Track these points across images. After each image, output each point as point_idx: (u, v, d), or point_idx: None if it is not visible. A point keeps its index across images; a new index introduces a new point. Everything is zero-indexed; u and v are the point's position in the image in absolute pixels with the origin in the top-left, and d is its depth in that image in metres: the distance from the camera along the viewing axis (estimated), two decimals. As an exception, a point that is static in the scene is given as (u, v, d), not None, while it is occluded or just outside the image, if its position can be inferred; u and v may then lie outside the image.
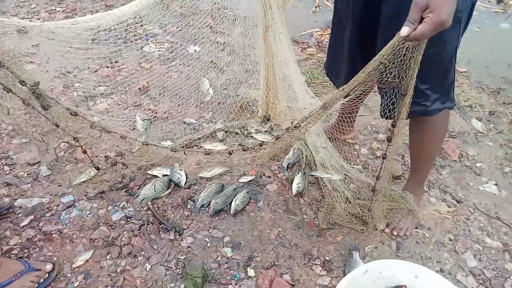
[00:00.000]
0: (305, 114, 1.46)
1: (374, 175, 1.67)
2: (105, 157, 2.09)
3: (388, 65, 1.12)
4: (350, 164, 2.13)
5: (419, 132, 1.66)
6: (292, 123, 1.53)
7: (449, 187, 2.06)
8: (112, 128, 1.85)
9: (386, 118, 1.48)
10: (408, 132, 1.74)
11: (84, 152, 1.86)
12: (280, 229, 1.82)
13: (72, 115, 1.71)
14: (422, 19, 0.97)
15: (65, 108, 1.72)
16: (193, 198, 1.96)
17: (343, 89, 1.23)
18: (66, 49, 2.99)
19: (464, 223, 1.88)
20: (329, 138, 2.09)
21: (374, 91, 2.36)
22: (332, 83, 2.03)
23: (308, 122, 1.48)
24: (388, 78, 1.15)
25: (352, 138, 2.31)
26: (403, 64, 1.12)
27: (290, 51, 1.77)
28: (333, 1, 1.64)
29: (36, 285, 1.53)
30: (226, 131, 2.33)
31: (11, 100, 1.63)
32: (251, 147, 1.73)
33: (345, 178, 2.00)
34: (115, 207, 1.89)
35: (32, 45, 3.02)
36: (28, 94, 1.62)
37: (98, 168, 2.04)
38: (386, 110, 1.37)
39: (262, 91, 2.15)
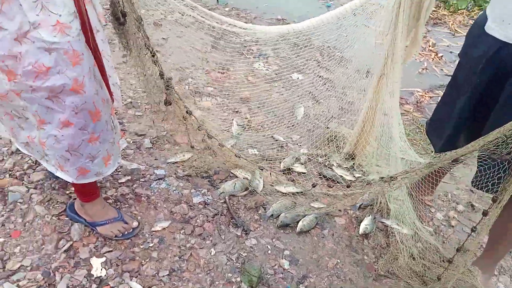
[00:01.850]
0: (398, 163, 1.54)
1: (444, 242, 1.67)
2: (202, 140, 2.31)
3: (510, 138, 1.14)
4: (422, 223, 2.12)
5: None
6: (388, 174, 1.61)
7: (522, 280, 1.96)
8: (214, 134, 2.08)
9: (481, 189, 1.50)
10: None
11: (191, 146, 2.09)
12: (338, 261, 1.88)
13: (187, 113, 1.95)
14: None
15: (184, 106, 1.98)
16: (265, 206, 2.09)
17: (455, 153, 1.29)
18: (188, 48, 3.40)
19: (531, 320, 1.78)
20: (408, 193, 2.12)
21: (464, 162, 2.35)
22: (430, 143, 2.06)
23: (406, 177, 1.54)
24: (502, 151, 1.17)
25: (430, 200, 2.30)
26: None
27: (397, 102, 1.87)
28: (446, 66, 1.72)
29: (121, 234, 1.76)
30: (309, 158, 2.46)
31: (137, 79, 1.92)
32: (336, 184, 1.83)
33: (414, 235, 2.00)
34: (197, 191, 2.09)
35: (162, 38, 3.46)
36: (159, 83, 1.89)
37: (192, 147, 2.26)
38: (486, 181, 1.40)
39: (356, 130, 2.26)
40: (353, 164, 2.42)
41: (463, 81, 1.64)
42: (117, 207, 1.91)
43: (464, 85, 1.63)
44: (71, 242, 1.71)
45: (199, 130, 2.05)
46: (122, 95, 2.72)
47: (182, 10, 1.72)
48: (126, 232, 1.78)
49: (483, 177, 1.55)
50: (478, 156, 1.64)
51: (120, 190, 2.00)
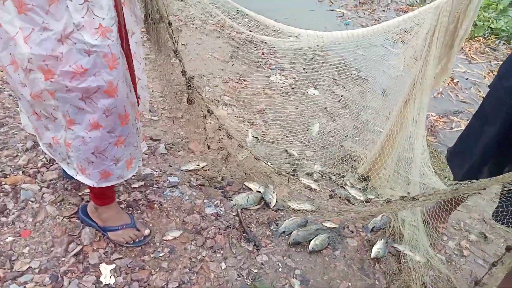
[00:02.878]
0: (416, 188, 1.51)
1: (455, 272, 1.64)
2: (218, 141, 2.29)
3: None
4: (434, 251, 2.09)
5: None
6: (408, 193, 1.59)
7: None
8: (234, 134, 2.07)
9: (503, 223, 1.48)
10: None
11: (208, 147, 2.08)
12: (350, 284, 1.85)
13: (208, 112, 1.95)
14: None
15: (205, 105, 1.97)
16: (277, 222, 2.07)
17: (482, 183, 1.28)
18: (207, 56, 3.40)
19: None
20: (423, 219, 2.09)
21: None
22: (443, 169, 2.04)
23: (428, 198, 1.52)
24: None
25: (444, 227, 2.27)
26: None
27: (423, 128, 1.85)
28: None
29: (132, 241, 1.73)
30: (322, 175, 2.44)
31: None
32: (353, 200, 1.80)
33: (427, 262, 1.97)
34: (210, 202, 2.07)
35: (182, 43, 3.46)
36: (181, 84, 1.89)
37: (209, 147, 2.24)
38: (508, 216, 1.38)
39: (374, 152, 2.24)
40: (367, 185, 2.40)
41: (491, 112, 1.62)
42: (130, 212, 1.89)
43: (492, 115, 1.62)
44: (81, 246, 1.69)
45: (219, 130, 2.04)
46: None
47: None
48: (137, 240, 1.75)
49: (505, 212, 1.52)
50: (502, 190, 1.62)
51: (133, 195, 1.98)
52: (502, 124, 1.55)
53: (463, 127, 3.45)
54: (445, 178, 2.68)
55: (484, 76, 4.30)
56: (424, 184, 1.76)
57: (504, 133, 1.56)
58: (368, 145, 2.75)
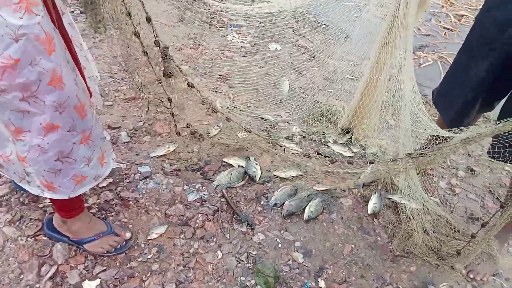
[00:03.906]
0: (407, 134, 1.40)
1: (451, 211, 1.59)
2: (186, 125, 2.08)
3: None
4: (428, 195, 2.05)
5: None
6: (416, 150, 1.47)
7: (529, 241, 1.96)
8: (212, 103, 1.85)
9: (499, 160, 1.42)
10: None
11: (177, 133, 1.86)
12: (353, 246, 1.77)
13: (189, 86, 1.71)
14: None
15: (185, 78, 1.73)
16: (266, 195, 1.93)
17: (498, 124, 1.16)
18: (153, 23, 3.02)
19: (544, 282, 1.78)
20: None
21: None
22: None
23: (439, 153, 1.42)
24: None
25: (431, 169, 2.24)
26: None
27: (411, 73, 1.71)
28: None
29: (113, 249, 1.53)
30: (303, 136, 2.29)
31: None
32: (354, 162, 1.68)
33: (423, 208, 1.93)
34: (190, 187, 1.88)
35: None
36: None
37: (179, 134, 2.03)
38: (505, 152, 1.32)
39: (353, 103, 2.11)
40: (350, 138, 2.29)
41: (479, 46, 1.51)
42: (103, 216, 1.67)
43: (480, 50, 1.50)
44: (55, 267, 1.47)
45: (202, 103, 1.83)
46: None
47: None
48: (119, 246, 1.55)
49: (502, 149, 1.46)
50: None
51: (103, 196, 1.75)
52: (495, 58, 1.44)
53: (432, 62, 3.40)
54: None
55: (442, 6, 4.23)
56: (420, 131, 1.66)
57: (497, 68, 1.45)
58: (342, 95, 2.62)
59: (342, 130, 2.30)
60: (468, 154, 2.42)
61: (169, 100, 1.75)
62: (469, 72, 1.56)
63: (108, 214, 1.69)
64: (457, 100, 1.65)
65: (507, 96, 1.52)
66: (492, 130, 1.19)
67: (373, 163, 1.57)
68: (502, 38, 1.39)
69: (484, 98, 1.59)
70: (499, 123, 1.20)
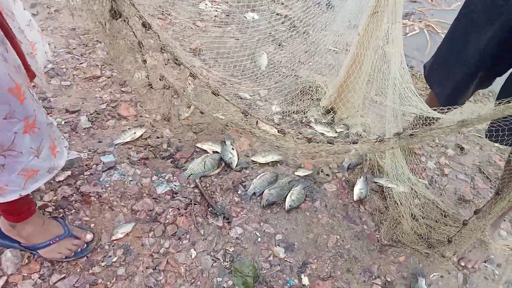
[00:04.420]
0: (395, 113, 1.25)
1: (441, 194, 1.47)
2: (160, 78, 1.83)
3: None
4: (416, 176, 1.94)
5: None
6: (404, 130, 1.32)
7: (519, 222, 1.89)
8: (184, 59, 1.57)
9: (496, 142, 1.29)
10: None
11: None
12: (338, 237, 1.65)
13: (144, 26, 1.41)
14: None
15: (139, 16, 1.41)
16: (244, 184, 1.77)
17: (499, 105, 1.01)
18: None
19: (534, 265, 1.72)
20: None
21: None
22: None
23: (430, 135, 1.27)
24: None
25: (419, 148, 2.11)
26: None
27: (400, 43, 1.53)
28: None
29: (73, 253, 1.36)
30: (283, 116, 2.12)
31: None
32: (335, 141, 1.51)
33: (411, 191, 1.82)
34: (160, 178, 1.70)
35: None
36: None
37: (150, 86, 1.79)
38: (506, 136, 1.19)
39: (338, 81, 1.93)
40: (333, 117, 2.13)
41: (480, 17, 1.34)
42: (61, 216, 1.48)
43: (481, 21, 1.33)
44: (5, 277, 1.29)
45: (162, 52, 1.55)
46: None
47: None
48: (79, 250, 1.38)
49: (500, 131, 1.32)
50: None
51: (61, 192, 1.55)
52: (499, 28, 1.27)
53: (419, 31, 3.22)
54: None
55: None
56: (408, 110, 1.50)
57: (500, 39, 1.29)
58: (324, 69, 2.44)
59: (325, 108, 2.13)
60: (458, 132, 2.31)
61: (144, 25, 1.44)
62: (468, 44, 1.40)
63: (67, 213, 1.51)
64: (453, 76, 1.50)
65: (508, 73, 1.37)
66: (493, 112, 1.04)
67: (357, 143, 1.41)
68: (507, 5, 1.22)
69: (484, 73, 1.44)
70: (500, 103, 1.06)
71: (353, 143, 1.44)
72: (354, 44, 1.75)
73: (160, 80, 1.53)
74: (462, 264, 1.64)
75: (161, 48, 1.30)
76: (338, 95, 2.00)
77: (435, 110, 1.39)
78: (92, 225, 1.49)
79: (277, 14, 2.90)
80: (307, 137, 1.45)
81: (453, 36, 1.50)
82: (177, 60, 1.32)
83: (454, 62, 1.47)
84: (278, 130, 1.51)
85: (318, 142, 1.43)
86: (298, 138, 1.46)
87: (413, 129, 1.22)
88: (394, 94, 1.56)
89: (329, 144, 1.45)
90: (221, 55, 2.35)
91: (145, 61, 1.40)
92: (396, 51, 1.51)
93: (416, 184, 1.85)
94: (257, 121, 1.45)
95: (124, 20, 1.17)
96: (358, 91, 1.87)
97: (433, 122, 1.73)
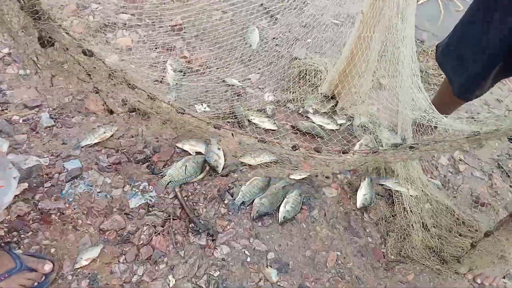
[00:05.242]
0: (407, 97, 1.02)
1: (454, 196, 1.28)
2: (122, 100, 1.60)
3: None
4: (427, 176, 1.71)
5: None
6: (404, 141, 1.10)
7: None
8: (137, 80, 1.32)
9: None
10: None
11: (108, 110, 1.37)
12: (339, 253, 1.44)
13: (86, 55, 1.16)
14: None
15: (77, 43, 1.15)
16: (231, 191, 1.54)
17: None
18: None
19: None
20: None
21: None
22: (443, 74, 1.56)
23: (434, 149, 1.05)
24: None
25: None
26: None
27: (412, 29, 1.26)
28: None
29: (28, 289, 1.16)
30: (276, 106, 1.86)
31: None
32: (328, 153, 1.28)
33: (422, 194, 1.60)
34: (133, 188, 1.47)
35: None
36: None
37: (111, 112, 1.57)
38: None
39: (340, 64, 1.65)
40: (334, 106, 1.86)
41: None
42: (15, 240, 1.27)
43: (508, 3, 1.07)
44: None
45: (111, 78, 1.29)
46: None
47: None
48: (36, 284, 1.18)
49: None
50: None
51: (15, 210, 1.33)
52: None
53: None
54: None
55: None
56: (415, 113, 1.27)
57: None
58: (324, 47, 2.14)
59: (325, 96, 1.86)
60: (473, 118, 2.05)
61: (85, 53, 1.17)
62: (489, 29, 1.16)
63: (22, 236, 1.29)
64: (470, 63, 1.29)
65: None
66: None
67: (346, 152, 1.18)
68: None
69: (505, 63, 1.21)
70: None
71: (342, 152, 1.22)
72: (357, 23, 1.46)
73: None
74: (479, 281, 1.45)
75: (109, 74, 1.04)
76: (340, 81, 1.72)
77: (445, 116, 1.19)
78: (53, 249, 1.28)
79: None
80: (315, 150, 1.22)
81: (472, 18, 1.26)
82: (129, 84, 1.05)
83: (471, 47, 1.26)
84: (258, 140, 1.27)
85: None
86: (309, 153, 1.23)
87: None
88: (406, 76, 1.31)
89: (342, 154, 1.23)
90: (206, 34, 2.05)
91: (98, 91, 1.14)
92: (409, 34, 1.24)
93: (427, 186, 1.63)
94: (232, 133, 1.20)
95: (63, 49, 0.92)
96: (363, 78, 1.60)
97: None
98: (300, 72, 1.95)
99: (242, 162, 1.63)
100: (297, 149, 1.36)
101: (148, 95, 1.32)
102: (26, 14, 0.96)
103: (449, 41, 1.44)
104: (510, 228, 1.46)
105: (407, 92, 1.34)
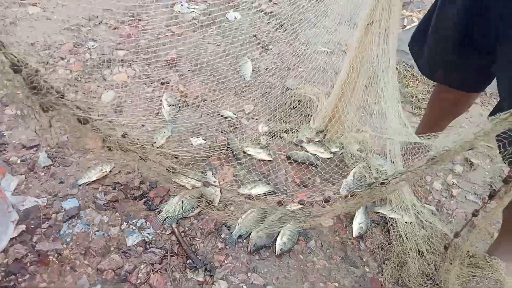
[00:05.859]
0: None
1: (450, 220, 1.32)
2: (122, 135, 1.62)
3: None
4: (421, 202, 1.73)
5: None
6: (377, 178, 1.15)
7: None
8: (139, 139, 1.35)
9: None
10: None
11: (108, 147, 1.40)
12: (337, 285, 1.45)
13: (81, 123, 1.16)
14: None
15: (75, 107, 1.17)
16: (228, 224, 1.56)
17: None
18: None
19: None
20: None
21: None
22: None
23: (402, 180, 1.09)
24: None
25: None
26: None
27: (393, 55, 1.32)
28: None
29: (24, 337, 1.16)
30: (271, 136, 1.89)
31: None
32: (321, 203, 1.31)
33: (417, 220, 1.61)
34: (130, 226, 1.49)
35: None
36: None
37: (110, 149, 1.59)
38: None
39: (333, 98, 1.69)
40: (325, 135, 1.90)
41: None
42: (12, 284, 1.27)
43: None
44: None
45: (104, 143, 1.32)
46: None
47: None
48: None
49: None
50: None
51: (13, 253, 1.34)
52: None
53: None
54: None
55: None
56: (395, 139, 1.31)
57: (467, 7, 1.23)
58: (316, 76, 2.19)
59: (318, 130, 1.90)
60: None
61: (80, 121, 1.22)
62: (443, 12, 1.33)
63: (20, 280, 1.29)
64: (426, 44, 1.44)
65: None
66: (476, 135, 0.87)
67: (328, 201, 1.23)
68: None
69: (468, 48, 1.32)
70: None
71: (325, 201, 1.27)
72: (347, 60, 1.50)
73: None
74: (477, 308, 1.45)
75: (103, 140, 1.09)
76: (333, 115, 1.76)
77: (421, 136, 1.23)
78: (51, 292, 1.28)
79: (261, 11, 2.63)
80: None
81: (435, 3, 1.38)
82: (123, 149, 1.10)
83: (426, 30, 1.41)
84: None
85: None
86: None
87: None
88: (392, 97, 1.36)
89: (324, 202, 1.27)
90: (201, 66, 2.10)
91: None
92: (391, 64, 1.29)
93: (422, 212, 1.65)
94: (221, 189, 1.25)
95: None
96: (353, 111, 1.64)
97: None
98: (293, 102, 1.99)
99: (238, 193, 1.64)
100: (281, 205, 1.41)
101: (140, 157, 1.35)
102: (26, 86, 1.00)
103: (416, 30, 1.57)
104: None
105: (393, 117, 1.38)
